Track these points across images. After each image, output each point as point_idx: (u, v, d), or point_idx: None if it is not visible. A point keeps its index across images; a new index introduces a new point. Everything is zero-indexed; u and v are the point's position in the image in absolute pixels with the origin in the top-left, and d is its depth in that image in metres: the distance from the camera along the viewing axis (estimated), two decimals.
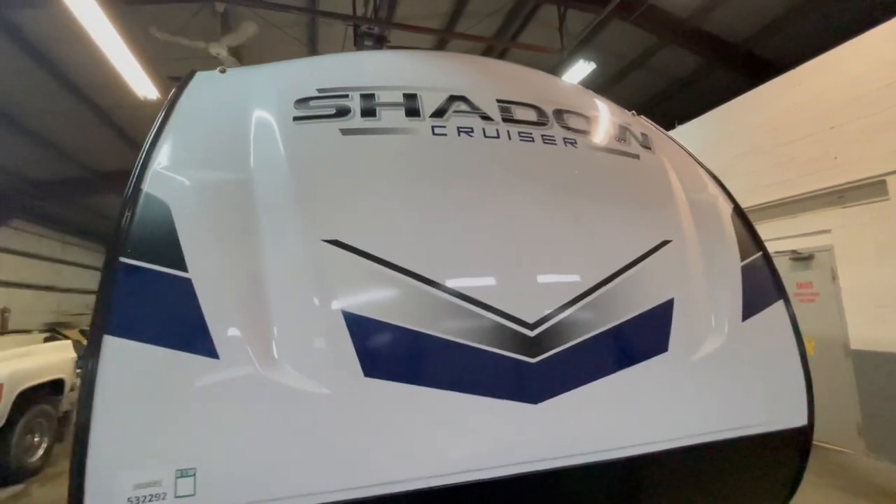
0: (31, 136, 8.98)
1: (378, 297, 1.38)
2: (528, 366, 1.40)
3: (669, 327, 1.62)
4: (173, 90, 1.82)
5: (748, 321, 1.79)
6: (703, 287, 1.78)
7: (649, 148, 2.07)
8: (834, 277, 5.09)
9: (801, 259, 5.43)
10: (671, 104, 9.03)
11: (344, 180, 1.52)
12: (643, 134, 2.14)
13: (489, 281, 1.47)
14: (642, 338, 1.60)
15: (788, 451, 1.80)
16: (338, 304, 1.33)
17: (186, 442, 1.17)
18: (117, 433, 1.14)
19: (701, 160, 2.35)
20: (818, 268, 5.29)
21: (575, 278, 1.55)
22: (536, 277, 1.53)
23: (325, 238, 1.39)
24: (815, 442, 1.62)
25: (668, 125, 7.72)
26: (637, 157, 1.99)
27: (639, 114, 2.38)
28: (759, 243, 2.03)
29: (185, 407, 1.19)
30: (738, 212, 2.11)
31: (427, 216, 1.52)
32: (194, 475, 1.14)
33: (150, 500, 1.11)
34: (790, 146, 5.60)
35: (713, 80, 8.35)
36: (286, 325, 1.31)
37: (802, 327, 1.89)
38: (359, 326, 1.32)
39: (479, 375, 1.37)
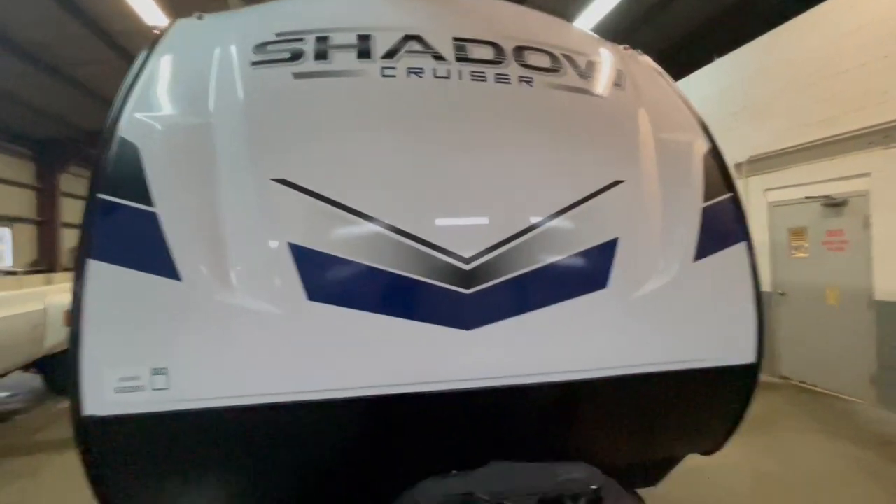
0: (78, 87, 9.51)
1: (321, 231, 1.52)
2: (462, 296, 1.53)
3: (611, 265, 1.67)
4: (154, 37, 1.93)
5: (701, 261, 1.80)
6: (655, 227, 1.80)
7: (620, 86, 2.01)
8: (866, 225, 4.77)
9: (834, 205, 5.08)
10: (722, 33, 8.17)
11: (293, 123, 1.62)
12: (618, 71, 2.07)
13: (427, 217, 1.57)
14: (580, 274, 1.66)
15: (733, 387, 1.86)
16: (284, 237, 1.49)
17: (158, 347, 1.41)
18: (103, 338, 1.39)
19: (687, 97, 2.26)
20: (851, 214, 4.96)
21: (513, 216, 1.62)
22: (474, 215, 1.61)
23: (273, 177, 1.52)
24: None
25: (709, 60, 7.09)
26: (601, 95, 1.95)
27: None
28: (729, 185, 1.99)
29: (155, 319, 1.42)
30: (714, 153, 2.05)
31: (369, 156, 1.60)
32: (166, 373, 1.39)
33: (132, 391, 1.37)
34: (835, 79, 5.08)
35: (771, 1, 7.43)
36: (240, 253, 1.48)
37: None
38: (303, 256, 1.48)
39: (414, 303, 1.51)
